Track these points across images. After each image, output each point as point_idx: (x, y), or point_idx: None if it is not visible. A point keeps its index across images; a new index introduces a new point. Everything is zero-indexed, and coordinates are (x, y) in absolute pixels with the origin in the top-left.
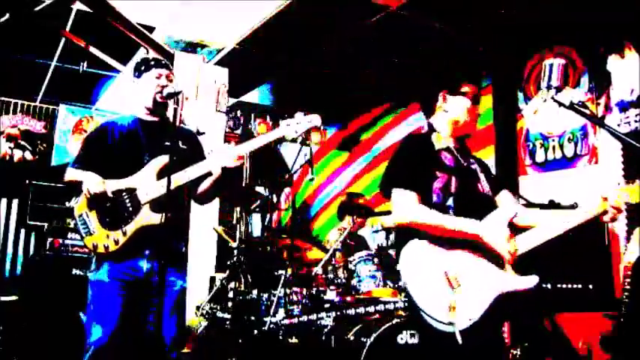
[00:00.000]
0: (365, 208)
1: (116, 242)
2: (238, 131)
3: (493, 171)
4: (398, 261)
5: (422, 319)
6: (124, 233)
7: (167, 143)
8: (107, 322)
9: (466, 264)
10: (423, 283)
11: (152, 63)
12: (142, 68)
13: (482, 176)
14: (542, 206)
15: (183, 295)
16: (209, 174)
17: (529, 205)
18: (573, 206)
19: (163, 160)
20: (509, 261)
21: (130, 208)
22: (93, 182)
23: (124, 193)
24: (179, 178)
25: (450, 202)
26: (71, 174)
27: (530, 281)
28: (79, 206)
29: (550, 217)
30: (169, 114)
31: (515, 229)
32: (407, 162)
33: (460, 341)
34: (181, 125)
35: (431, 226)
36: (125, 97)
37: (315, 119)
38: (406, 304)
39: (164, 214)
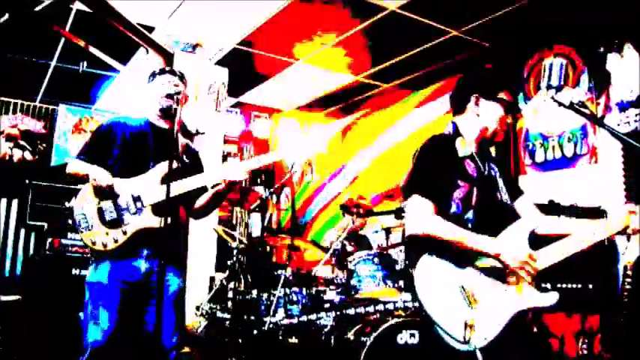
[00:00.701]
0: (362, 208)
1: (116, 241)
2: (238, 131)
3: None
4: (410, 273)
5: (438, 337)
6: (124, 233)
7: (174, 153)
8: (105, 323)
9: (482, 279)
10: (439, 299)
11: (156, 72)
12: (151, 78)
13: (501, 182)
14: (543, 207)
15: (182, 294)
16: (205, 189)
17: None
18: (572, 206)
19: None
20: (530, 281)
21: (132, 209)
22: (102, 175)
23: (128, 194)
24: (181, 186)
25: (470, 214)
26: (75, 165)
27: (551, 298)
28: (80, 199)
29: (572, 226)
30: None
31: (536, 239)
32: (429, 168)
33: (480, 359)
34: (188, 142)
35: (448, 241)
36: (124, 96)
37: (322, 146)
38: (418, 316)
39: (164, 219)
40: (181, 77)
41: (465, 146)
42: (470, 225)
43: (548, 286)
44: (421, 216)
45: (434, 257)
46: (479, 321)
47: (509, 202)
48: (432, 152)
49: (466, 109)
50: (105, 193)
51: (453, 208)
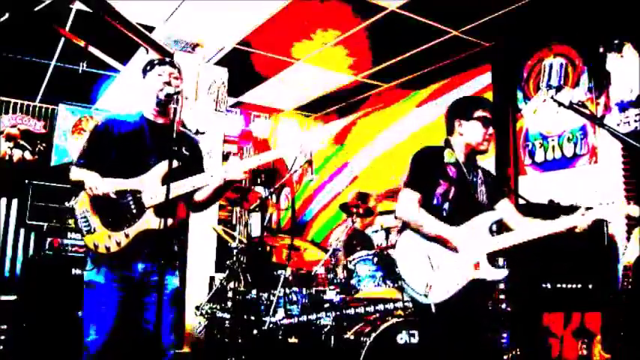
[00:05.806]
0: (363, 208)
1: (118, 244)
2: (238, 131)
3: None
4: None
5: (406, 291)
6: (127, 235)
7: (174, 148)
8: (103, 323)
9: (446, 251)
10: (411, 263)
11: (155, 62)
12: (147, 68)
13: (482, 188)
14: (541, 207)
15: (178, 294)
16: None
17: (528, 205)
18: (572, 207)
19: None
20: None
21: (134, 211)
22: (96, 183)
23: (129, 195)
24: (181, 187)
25: (446, 205)
26: (75, 173)
27: (500, 273)
28: (81, 203)
29: (532, 223)
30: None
31: (504, 229)
32: (416, 169)
33: (433, 310)
34: (187, 131)
35: (420, 226)
36: (124, 96)
37: (322, 142)
38: (398, 282)
39: (164, 220)
40: (178, 68)
41: (451, 156)
42: (445, 213)
43: (549, 285)
44: (406, 204)
45: (412, 232)
46: (438, 282)
47: (485, 202)
48: (420, 157)
49: (454, 131)
50: (102, 198)
51: (435, 201)
